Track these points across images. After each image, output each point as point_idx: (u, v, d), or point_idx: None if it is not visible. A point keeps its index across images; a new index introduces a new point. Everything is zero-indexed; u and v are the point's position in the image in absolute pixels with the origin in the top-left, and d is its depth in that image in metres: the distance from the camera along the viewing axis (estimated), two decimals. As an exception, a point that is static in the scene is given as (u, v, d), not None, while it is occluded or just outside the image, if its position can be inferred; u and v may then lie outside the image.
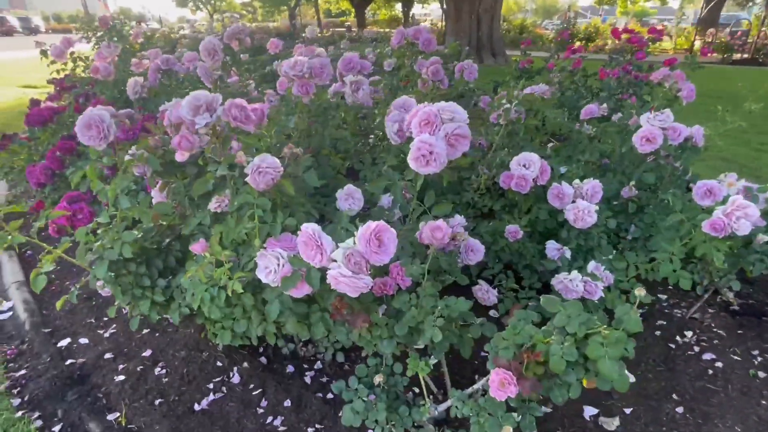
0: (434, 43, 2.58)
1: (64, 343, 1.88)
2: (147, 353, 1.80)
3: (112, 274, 1.47)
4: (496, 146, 2.13)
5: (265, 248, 1.26)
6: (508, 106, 1.99)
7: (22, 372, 1.74)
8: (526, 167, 1.89)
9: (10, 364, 1.79)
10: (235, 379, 1.69)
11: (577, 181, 1.90)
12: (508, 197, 2.05)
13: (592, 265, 1.66)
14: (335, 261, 1.10)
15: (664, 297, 2.17)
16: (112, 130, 1.32)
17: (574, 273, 1.61)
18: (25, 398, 1.61)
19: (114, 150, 1.40)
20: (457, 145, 1.33)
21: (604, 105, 2.37)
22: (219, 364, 1.74)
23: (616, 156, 2.20)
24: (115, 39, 3.69)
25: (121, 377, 1.69)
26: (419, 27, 2.60)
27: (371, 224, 1.10)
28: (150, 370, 1.72)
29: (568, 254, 1.83)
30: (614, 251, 1.91)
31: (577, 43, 13.51)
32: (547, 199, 1.91)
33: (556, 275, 1.64)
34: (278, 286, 1.22)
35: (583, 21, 21.74)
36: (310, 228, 1.12)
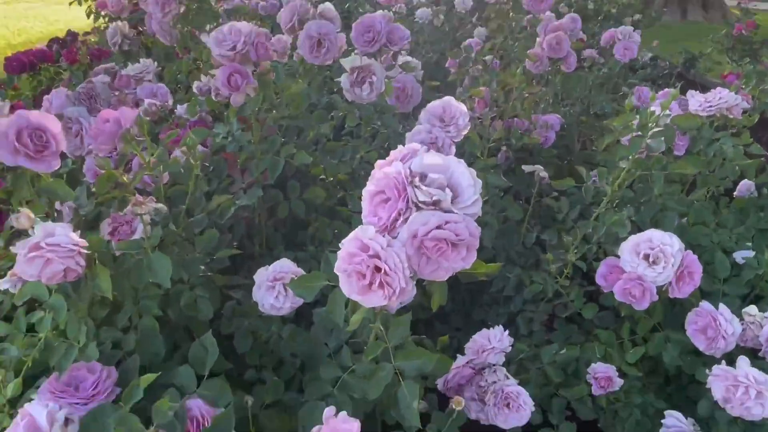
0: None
1: None
2: None
3: None
4: (611, 201, 1.46)
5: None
6: (636, 134, 1.30)
7: None
8: (651, 261, 1.22)
9: None
10: None
11: (752, 308, 1.17)
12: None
13: None
14: None
15: None
16: None
17: None
18: None
19: None
20: (441, 258, 0.76)
21: None
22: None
23: None
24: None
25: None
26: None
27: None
28: None
29: (702, 452, 1.13)
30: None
31: None
32: (684, 325, 1.23)
33: None
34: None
35: None
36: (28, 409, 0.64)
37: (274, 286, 1.13)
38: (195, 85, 1.74)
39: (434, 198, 0.74)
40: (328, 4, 1.53)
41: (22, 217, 0.84)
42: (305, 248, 1.49)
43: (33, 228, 0.84)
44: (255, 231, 1.51)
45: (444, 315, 1.69)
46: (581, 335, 1.47)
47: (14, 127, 0.83)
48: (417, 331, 1.65)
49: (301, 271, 1.15)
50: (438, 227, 0.73)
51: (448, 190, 0.76)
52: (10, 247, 0.84)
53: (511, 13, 2.41)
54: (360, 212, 0.99)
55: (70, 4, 3.36)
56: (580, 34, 2.36)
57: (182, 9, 1.64)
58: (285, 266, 1.15)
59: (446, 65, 2.47)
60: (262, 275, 1.14)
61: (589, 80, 2.56)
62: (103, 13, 2.85)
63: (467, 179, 0.78)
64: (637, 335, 1.35)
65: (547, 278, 1.51)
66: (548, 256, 1.46)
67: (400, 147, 0.88)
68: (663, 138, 1.28)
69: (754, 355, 1.17)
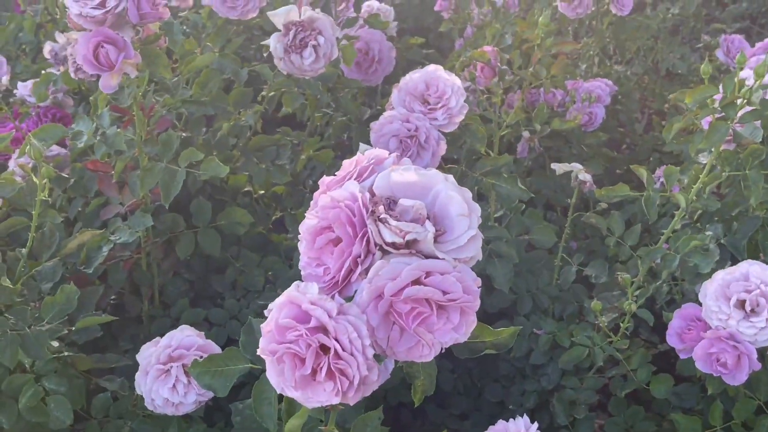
0: None
1: None
2: None
3: None
4: (687, 216, 1.51)
5: None
6: (719, 115, 1.34)
7: None
8: (748, 310, 1.26)
9: None
10: None
11: None
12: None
13: None
14: None
15: None
16: None
17: None
18: None
19: None
20: (422, 328, 0.78)
21: None
22: None
23: None
24: None
25: None
26: None
27: None
28: None
29: None
30: None
31: None
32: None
33: None
34: None
35: None
36: None
37: (168, 370, 1.13)
38: (47, 48, 1.74)
39: (408, 237, 0.75)
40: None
41: None
42: (222, 302, 1.52)
43: None
44: (142, 279, 1.52)
45: (440, 395, 1.71)
46: (651, 423, 1.48)
47: None
48: (399, 423, 1.67)
49: (211, 345, 1.16)
50: (415, 282, 0.75)
51: (429, 223, 0.76)
52: None
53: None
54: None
55: None
56: (637, -43, 2.42)
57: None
58: (185, 337, 1.16)
59: (435, 7, 2.50)
60: (148, 354, 1.15)
61: (654, 26, 2.59)
62: None
63: (458, 206, 0.78)
64: (734, 421, 1.37)
65: (595, 336, 1.53)
66: (594, 304, 1.47)
67: (359, 152, 0.89)
68: (758, 121, 1.31)
69: None
